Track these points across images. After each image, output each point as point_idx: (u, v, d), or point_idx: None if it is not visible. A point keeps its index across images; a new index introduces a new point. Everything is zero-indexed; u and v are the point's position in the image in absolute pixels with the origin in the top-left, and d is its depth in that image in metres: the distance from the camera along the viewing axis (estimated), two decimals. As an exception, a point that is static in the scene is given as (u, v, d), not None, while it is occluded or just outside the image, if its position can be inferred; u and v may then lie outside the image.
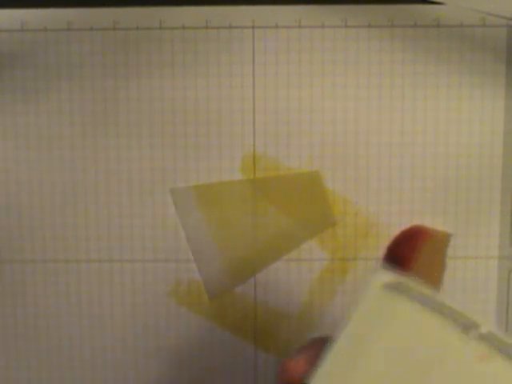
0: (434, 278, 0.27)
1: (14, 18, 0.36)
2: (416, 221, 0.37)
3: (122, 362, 0.38)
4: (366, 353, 0.19)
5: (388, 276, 0.21)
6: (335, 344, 0.20)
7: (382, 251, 0.38)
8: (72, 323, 0.38)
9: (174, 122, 0.37)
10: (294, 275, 0.38)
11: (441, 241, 0.29)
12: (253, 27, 0.36)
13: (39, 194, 0.37)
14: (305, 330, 0.38)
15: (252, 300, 0.38)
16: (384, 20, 0.36)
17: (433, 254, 0.28)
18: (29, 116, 0.37)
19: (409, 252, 0.26)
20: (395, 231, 0.37)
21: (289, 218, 0.37)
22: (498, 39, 0.36)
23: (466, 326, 0.18)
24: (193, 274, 0.38)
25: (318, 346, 0.22)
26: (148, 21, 0.36)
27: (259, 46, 0.36)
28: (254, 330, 0.38)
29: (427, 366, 0.18)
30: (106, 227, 0.38)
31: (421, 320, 0.19)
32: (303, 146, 0.37)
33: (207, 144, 0.37)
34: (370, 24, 0.36)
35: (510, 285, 0.37)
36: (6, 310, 0.38)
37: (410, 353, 0.18)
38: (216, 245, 0.37)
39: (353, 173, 0.37)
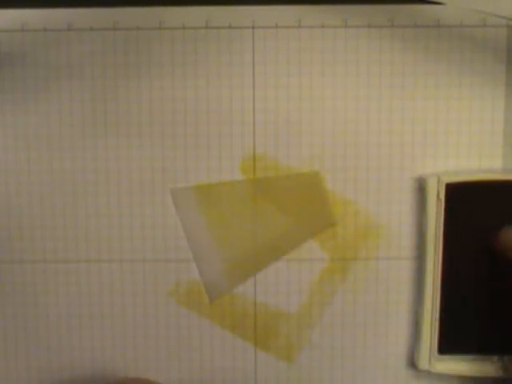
0: None
1: (14, 18, 0.36)
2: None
3: (121, 362, 0.38)
4: None
5: None
6: None
7: (381, 251, 0.38)
8: (72, 323, 0.38)
9: (174, 121, 0.37)
10: (294, 275, 0.38)
11: None
12: (253, 27, 0.36)
13: (39, 194, 0.37)
14: (305, 330, 0.38)
15: (252, 300, 0.38)
16: (384, 20, 0.36)
17: None
18: (29, 116, 0.37)
19: None
20: (395, 231, 0.38)
21: (289, 218, 0.37)
22: (498, 39, 0.36)
23: None
24: (193, 274, 0.38)
25: None
26: (148, 21, 0.36)
27: (259, 45, 0.36)
28: (254, 329, 0.38)
29: None
30: (106, 227, 0.38)
31: None
32: (303, 145, 0.37)
33: (207, 144, 0.37)
34: (370, 24, 0.36)
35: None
36: (6, 309, 0.38)
37: None
38: (216, 245, 0.37)
39: (353, 173, 0.37)
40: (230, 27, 0.36)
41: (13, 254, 0.38)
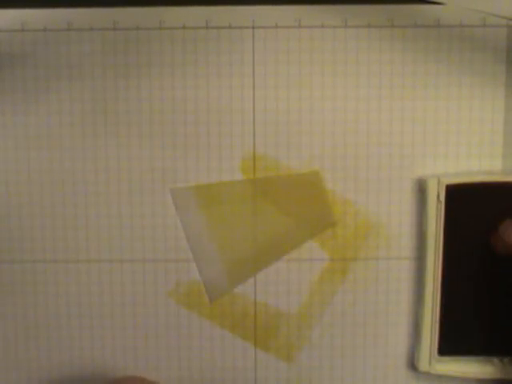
0: None
1: (14, 18, 0.36)
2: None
3: (121, 362, 0.38)
4: None
5: None
6: None
7: (381, 251, 0.38)
8: (72, 323, 0.38)
9: (174, 121, 0.37)
10: (294, 275, 0.38)
11: None
12: (253, 27, 0.36)
13: (39, 194, 0.37)
14: (305, 330, 0.38)
15: (252, 300, 0.38)
16: (384, 20, 0.36)
17: None
18: (29, 116, 0.37)
19: None
20: (395, 231, 0.38)
21: (289, 218, 0.37)
22: (498, 39, 0.36)
23: None
24: (193, 274, 0.38)
25: None
26: (148, 21, 0.36)
27: (259, 45, 0.36)
28: (254, 329, 0.38)
29: None
30: (106, 227, 0.38)
31: None
32: (303, 145, 0.37)
33: (207, 144, 0.37)
34: (370, 24, 0.36)
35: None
36: (6, 309, 0.38)
37: None
38: (216, 245, 0.37)
39: (353, 173, 0.37)
40: (229, 27, 0.36)
41: (13, 253, 0.38)
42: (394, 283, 0.38)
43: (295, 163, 0.37)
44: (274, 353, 0.38)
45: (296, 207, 0.37)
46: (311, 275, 0.38)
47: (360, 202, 0.37)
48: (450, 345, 0.37)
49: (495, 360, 0.37)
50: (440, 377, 0.38)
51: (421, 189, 0.37)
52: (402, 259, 0.37)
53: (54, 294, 0.38)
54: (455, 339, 0.37)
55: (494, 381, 0.37)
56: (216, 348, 0.38)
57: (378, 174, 0.37)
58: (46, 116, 0.37)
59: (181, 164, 0.37)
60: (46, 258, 0.38)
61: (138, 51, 0.37)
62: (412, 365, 0.38)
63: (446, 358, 0.37)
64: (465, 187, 0.36)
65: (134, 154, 0.37)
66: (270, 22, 0.36)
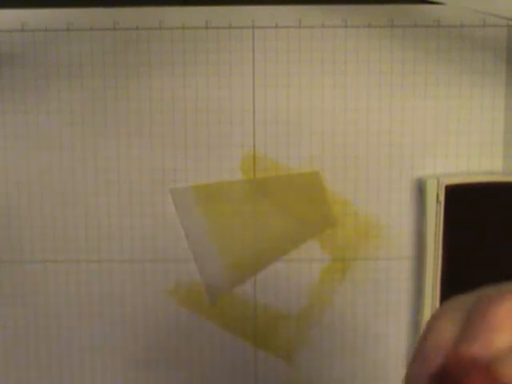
0: None
1: (14, 18, 0.36)
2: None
3: (121, 362, 0.38)
4: None
5: None
6: None
7: (381, 251, 0.38)
8: (72, 323, 0.38)
9: (174, 121, 0.37)
10: (294, 275, 0.38)
11: None
12: (253, 27, 0.36)
13: (39, 194, 0.37)
14: (304, 330, 0.38)
15: (252, 300, 0.38)
16: (384, 20, 0.36)
17: None
18: (29, 116, 0.37)
19: None
20: (394, 231, 0.38)
21: (289, 218, 0.37)
22: (498, 39, 0.36)
23: None
24: (193, 274, 0.38)
25: None
26: (148, 21, 0.36)
27: (259, 45, 0.36)
28: (254, 330, 0.38)
29: None
30: (106, 227, 0.38)
31: None
32: (303, 146, 0.37)
33: (207, 144, 0.37)
34: (370, 24, 0.36)
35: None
36: (6, 310, 0.38)
37: None
38: (216, 245, 0.37)
39: (353, 173, 0.37)
40: (230, 27, 0.36)
41: (13, 254, 0.38)
42: (394, 283, 0.38)
43: (295, 163, 0.37)
44: (273, 353, 0.38)
45: (296, 207, 0.37)
46: (311, 275, 0.38)
47: (360, 203, 0.37)
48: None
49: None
50: (440, 377, 0.38)
51: (420, 189, 0.37)
52: (401, 259, 0.37)
53: (54, 294, 0.38)
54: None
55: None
56: (216, 348, 0.38)
57: (378, 174, 0.37)
58: (46, 115, 0.37)
59: (181, 164, 0.37)
60: (46, 258, 0.38)
61: (137, 51, 0.36)
62: (412, 365, 0.38)
63: (445, 358, 0.37)
64: (464, 187, 0.36)
65: (134, 154, 0.37)
66: (270, 22, 0.36)
